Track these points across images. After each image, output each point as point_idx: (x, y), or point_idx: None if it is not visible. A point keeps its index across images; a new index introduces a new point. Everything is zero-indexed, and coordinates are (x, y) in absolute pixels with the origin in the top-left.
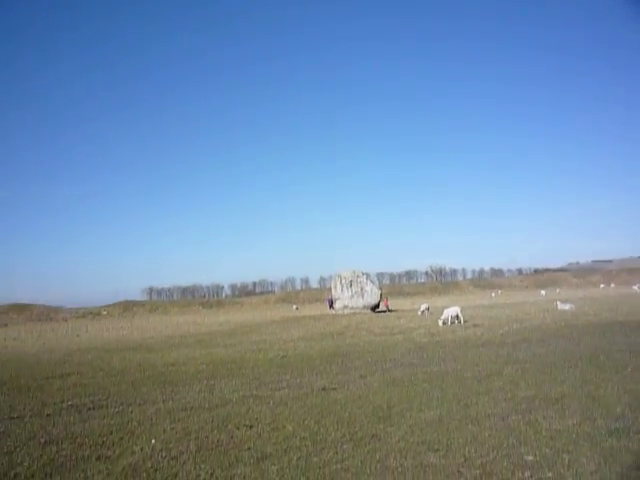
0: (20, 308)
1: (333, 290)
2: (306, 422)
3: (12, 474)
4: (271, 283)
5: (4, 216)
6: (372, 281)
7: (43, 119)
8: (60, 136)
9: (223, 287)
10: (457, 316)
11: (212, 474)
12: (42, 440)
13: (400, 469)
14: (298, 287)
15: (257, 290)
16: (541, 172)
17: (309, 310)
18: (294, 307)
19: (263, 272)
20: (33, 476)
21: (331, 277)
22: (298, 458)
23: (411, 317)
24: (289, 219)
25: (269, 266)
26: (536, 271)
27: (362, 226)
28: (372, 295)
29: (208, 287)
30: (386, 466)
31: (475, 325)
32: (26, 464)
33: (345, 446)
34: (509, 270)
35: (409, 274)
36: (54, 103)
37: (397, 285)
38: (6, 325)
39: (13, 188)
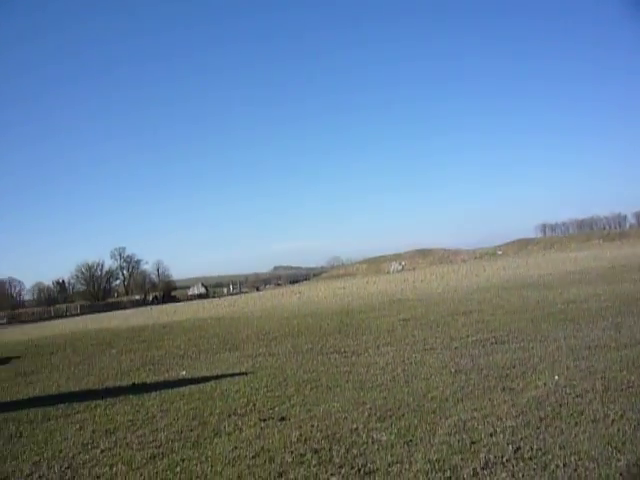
0: (424, 253)
1: None
2: None
3: (429, 397)
4: None
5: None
6: None
7: None
8: None
9: (626, 216)
10: None
11: (622, 415)
12: (452, 370)
13: None
14: None
15: None
16: None
17: None
18: None
19: None
20: (447, 400)
21: None
22: None
23: None
24: None
25: None
26: None
27: None
28: None
29: (607, 218)
30: None
31: None
32: (440, 389)
33: None
34: None
35: None
36: None
37: None
38: (414, 269)
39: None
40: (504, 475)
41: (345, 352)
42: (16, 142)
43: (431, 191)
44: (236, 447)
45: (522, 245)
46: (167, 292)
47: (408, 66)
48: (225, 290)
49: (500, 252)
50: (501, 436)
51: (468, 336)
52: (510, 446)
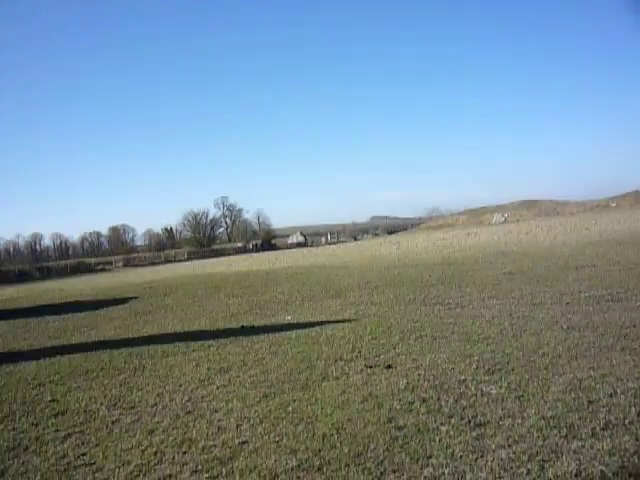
0: (529, 204)
1: None
2: None
3: (540, 352)
4: None
5: None
6: None
7: None
8: None
9: None
10: None
11: None
12: (564, 326)
13: None
14: None
15: None
16: None
17: None
18: None
19: None
20: (560, 356)
21: None
22: None
23: None
24: None
25: None
26: None
27: None
28: None
29: None
30: None
31: None
32: (552, 345)
33: None
34: None
35: None
36: None
37: None
38: (517, 221)
39: None
40: (627, 438)
41: (449, 304)
42: (132, 95)
43: (536, 138)
44: (344, 391)
45: (639, 197)
46: (267, 240)
47: None
48: (323, 239)
49: (614, 204)
50: (622, 397)
51: (580, 292)
52: (633, 408)
